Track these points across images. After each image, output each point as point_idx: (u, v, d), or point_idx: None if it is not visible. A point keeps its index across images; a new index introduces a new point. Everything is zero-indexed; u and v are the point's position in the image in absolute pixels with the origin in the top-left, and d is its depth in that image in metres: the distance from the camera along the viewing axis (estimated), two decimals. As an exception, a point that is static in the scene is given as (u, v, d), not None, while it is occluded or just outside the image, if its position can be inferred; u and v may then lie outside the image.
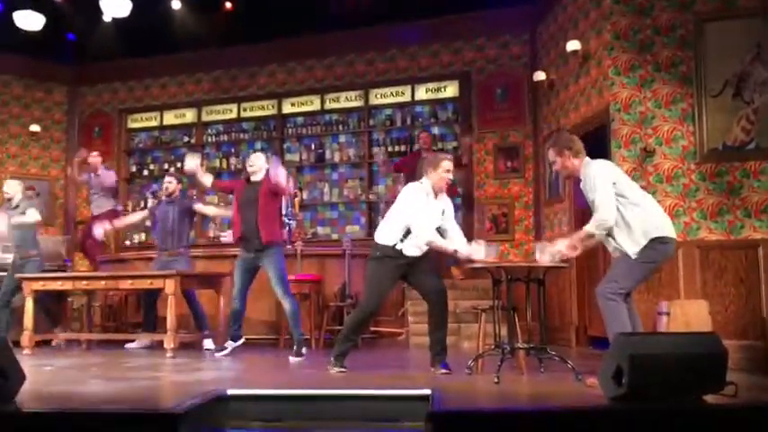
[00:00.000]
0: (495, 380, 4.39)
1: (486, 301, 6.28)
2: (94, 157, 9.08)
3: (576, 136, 7.25)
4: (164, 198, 7.50)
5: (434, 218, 5.07)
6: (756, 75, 5.96)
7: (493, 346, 4.96)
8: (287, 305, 6.21)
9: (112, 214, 8.73)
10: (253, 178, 6.45)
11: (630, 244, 4.29)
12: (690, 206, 6.06)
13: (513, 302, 5.12)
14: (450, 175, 5.11)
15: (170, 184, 7.41)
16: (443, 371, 4.90)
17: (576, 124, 7.34)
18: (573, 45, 7.16)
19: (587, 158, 4.59)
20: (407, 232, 4.99)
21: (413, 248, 5.04)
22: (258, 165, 6.47)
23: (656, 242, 4.27)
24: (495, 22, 9.00)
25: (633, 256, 4.27)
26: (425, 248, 5.05)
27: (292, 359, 5.94)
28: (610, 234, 4.38)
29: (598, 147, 6.64)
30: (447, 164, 5.07)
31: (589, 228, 4.40)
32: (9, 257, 7.53)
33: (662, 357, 3.47)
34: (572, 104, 7.49)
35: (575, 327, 7.27)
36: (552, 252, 4.55)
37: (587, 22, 7.07)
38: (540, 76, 8.17)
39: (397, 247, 5.02)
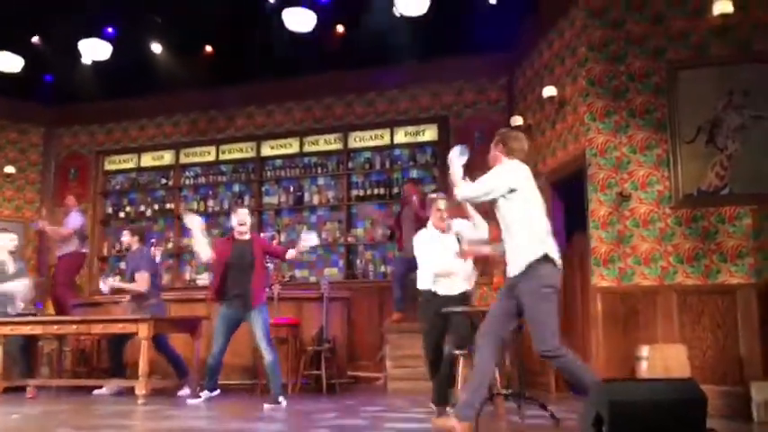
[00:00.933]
0: (474, 426, 4.31)
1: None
2: (70, 200, 9.00)
3: (554, 181, 7.37)
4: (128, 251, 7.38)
5: (450, 249, 5.35)
6: (729, 121, 6.08)
7: (471, 392, 4.88)
8: (268, 357, 6.09)
9: (78, 256, 8.65)
10: (242, 237, 6.33)
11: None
12: (666, 250, 6.10)
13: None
14: (442, 213, 5.38)
15: (125, 237, 7.43)
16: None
17: (554, 169, 7.41)
18: (549, 91, 7.26)
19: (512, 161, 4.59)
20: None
21: (444, 287, 5.29)
22: (248, 222, 6.40)
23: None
24: (472, 68, 9.13)
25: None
26: (461, 288, 5.32)
27: (267, 406, 5.80)
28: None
29: (575, 191, 6.72)
30: (437, 203, 5.43)
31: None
32: None
33: (641, 404, 3.43)
34: (549, 149, 7.57)
35: (554, 371, 7.21)
36: None
37: (563, 68, 7.19)
38: (517, 120, 8.25)
39: (432, 289, 5.29)
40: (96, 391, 7.09)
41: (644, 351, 5.56)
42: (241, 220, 6.33)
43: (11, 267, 7.25)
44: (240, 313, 6.15)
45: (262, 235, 8.75)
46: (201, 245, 6.34)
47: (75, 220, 8.77)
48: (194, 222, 6.47)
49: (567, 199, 7.33)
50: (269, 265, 7.95)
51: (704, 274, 5.99)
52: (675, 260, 6.06)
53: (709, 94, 6.15)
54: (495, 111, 9.04)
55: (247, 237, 6.33)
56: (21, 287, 7.22)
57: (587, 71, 6.56)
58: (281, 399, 5.92)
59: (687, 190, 6.12)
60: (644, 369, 5.45)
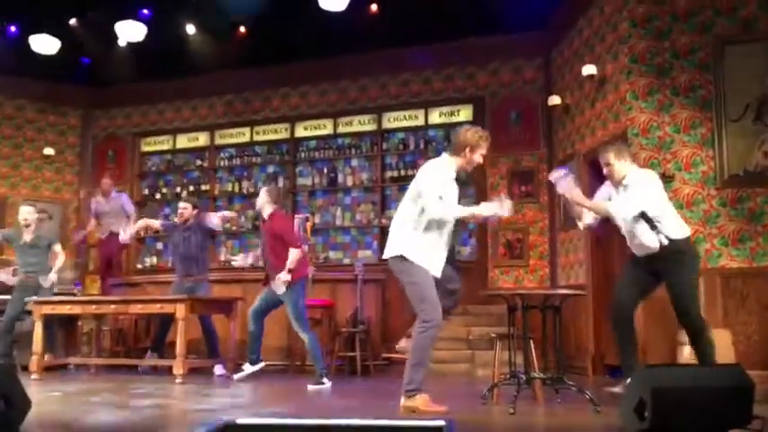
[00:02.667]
0: (511, 410, 4.26)
1: (500, 328, 6.15)
2: (107, 181, 9.07)
3: (593, 160, 7.22)
4: (178, 224, 7.34)
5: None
6: (778, 98, 5.86)
7: (508, 376, 4.82)
8: (305, 339, 6.14)
9: (115, 243, 8.69)
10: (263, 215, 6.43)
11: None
12: (710, 233, 5.93)
13: (528, 330, 4.99)
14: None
15: (185, 210, 7.27)
16: None
17: (593, 149, 7.24)
18: (589, 69, 7.09)
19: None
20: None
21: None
22: (260, 202, 6.42)
23: None
24: (508, 47, 8.96)
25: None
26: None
27: (311, 387, 5.82)
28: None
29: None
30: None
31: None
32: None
33: (686, 390, 3.34)
34: (588, 129, 7.40)
35: (591, 355, 7.10)
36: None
37: (603, 45, 7.00)
38: (555, 100, 8.10)
39: None
40: (140, 368, 7.18)
41: (686, 336, 5.42)
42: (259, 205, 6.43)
43: (27, 237, 7.35)
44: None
45: (296, 217, 8.74)
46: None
47: (129, 202, 8.87)
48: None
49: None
50: (302, 246, 7.99)
51: (750, 256, 5.82)
52: (720, 243, 5.89)
53: (757, 70, 5.94)
54: (531, 91, 8.87)
55: (266, 214, 6.37)
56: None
57: (630, 48, 6.38)
58: (325, 380, 5.94)
59: (733, 170, 5.93)
60: (686, 354, 5.32)
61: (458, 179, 4.58)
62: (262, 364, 6.33)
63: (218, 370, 6.90)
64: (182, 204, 7.40)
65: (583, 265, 7.43)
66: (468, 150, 4.47)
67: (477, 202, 5.06)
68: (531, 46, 8.84)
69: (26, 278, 7.25)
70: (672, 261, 4.54)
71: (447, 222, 4.43)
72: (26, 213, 7.42)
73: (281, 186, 9.39)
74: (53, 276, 7.33)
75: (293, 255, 6.08)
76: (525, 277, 8.59)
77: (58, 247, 7.49)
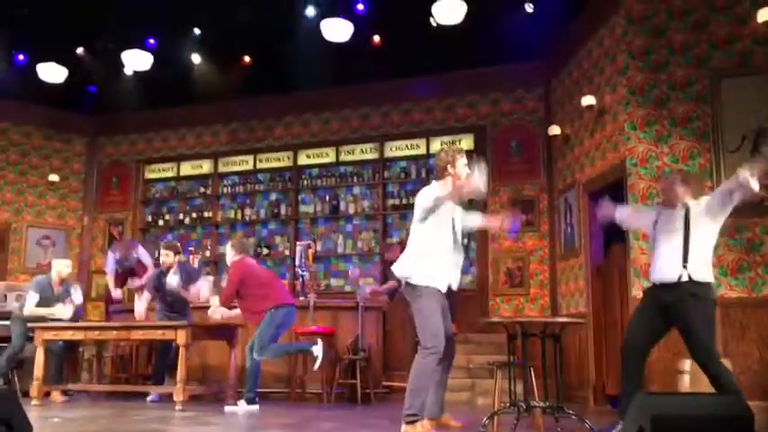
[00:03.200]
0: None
1: (500, 356, 6.16)
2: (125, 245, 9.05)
3: (593, 190, 7.29)
4: (162, 269, 7.42)
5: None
6: (774, 130, 5.94)
7: (508, 404, 4.83)
8: (247, 359, 6.36)
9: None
10: None
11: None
12: (709, 262, 5.95)
13: (528, 359, 5.00)
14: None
15: (167, 257, 7.35)
16: (458, 422, 4.80)
17: (592, 178, 7.32)
18: (588, 100, 7.18)
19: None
20: None
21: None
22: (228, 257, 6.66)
23: None
24: (509, 77, 9.08)
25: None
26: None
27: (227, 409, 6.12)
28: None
29: (614, 201, 6.60)
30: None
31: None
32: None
33: (686, 419, 3.35)
34: (587, 159, 7.48)
35: (592, 385, 7.09)
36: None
37: (602, 77, 7.10)
38: (555, 130, 8.19)
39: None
40: (149, 399, 7.15)
41: (686, 365, 5.43)
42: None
43: (56, 290, 7.43)
44: None
45: (298, 244, 8.79)
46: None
47: (146, 255, 8.89)
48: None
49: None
50: (302, 272, 8.09)
51: (749, 286, 5.84)
52: (719, 272, 5.92)
53: (753, 103, 6.02)
54: (532, 120, 8.98)
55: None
56: (66, 311, 7.39)
57: (628, 79, 6.48)
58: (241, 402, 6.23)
59: (731, 201, 5.98)
60: (686, 383, 5.32)
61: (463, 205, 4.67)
62: (257, 407, 6.31)
63: (152, 396, 7.03)
64: (163, 252, 7.47)
65: (583, 293, 7.45)
66: (449, 168, 4.55)
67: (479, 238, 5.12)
68: (532, 76, 8.96)
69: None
70: (687, 305, 4.37)
71: (447, 237, 4.47)
72: (63, 267, 7.54)
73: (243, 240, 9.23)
74: (69, 310, 7.42)
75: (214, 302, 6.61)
76: (526, 306, 8.61)
77: (77, 293, 7.61)
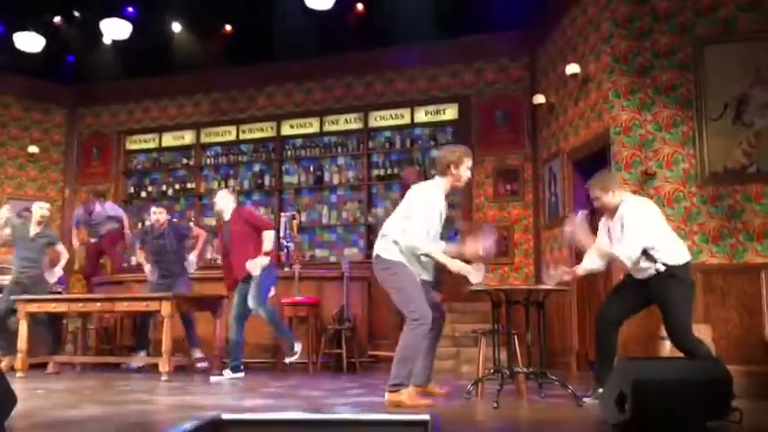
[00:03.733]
0: (495, 404, 4.31)
1: (485, 324, 6.20)
2: (89, 202, 9.08)
3: (577, 159, 7.31)
4: (152, 229, 7.40)
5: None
6: (757, 98, 5.96)
7: (492, 371, 4.88)
8: (262, 313, 6.30)
9: (119, 234, 8.72)
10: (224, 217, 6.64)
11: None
12: (691, 229, 6.02)
13: (512, 326, 5.05)
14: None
15: (161, 215, 7.40)
16: (442, 390, 4.87)
17: (576, 147, 7.33)
18: (572, 68, 7.16)
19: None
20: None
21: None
22: (223, 203, 6.58)
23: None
24: (493, 46, 9.03)
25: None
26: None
27: (287, 359, 6.15)
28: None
29: (598, 170, 6.63)
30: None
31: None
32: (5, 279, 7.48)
33: (666, 383, 3.41)
34: (572, 128, 7.48)
35: (575, 351, 7.19)
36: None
37: (587, 45, 7.08)
38: (539, 99, 8.17)
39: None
40: (124, 365, 7.20)
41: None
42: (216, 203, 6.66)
43: (32, 231, 7.37)
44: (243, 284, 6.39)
45: (282, 215, 8.80)
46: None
47: (116, 209, 8.96)
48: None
49: (590, 178, 7.23)
50: (287, 243, 8.10)
51: (730, 253, 5.91)
52: (701, 239, 5.98)
53: (736, 71, 6.03)
54: (516, 90, 8.95)
55: (227, 217, 6.57)
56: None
57: (612, 48, 6.45)
58: (296, 347, 6.27)
59: (713, 168, 6.02)
60: (667, 349, 5.39)
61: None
62: (242, 375, 6.35)
63: (197, 353, 7.06)
64: (157, 209, 7.48)
65: (567, 262, 7.49)
66: (452, 168, 4.57)
67: (463, 210, 5.14)
68: (516, 45, 8.92)
69: (19, 274, 7.23)
70: (665, 285, 4.52)
71: (432, 231, 4.50)
72: (44, 210, 7.44)
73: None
74: (58, 271, 7.39)
75: (271, 236, 6.37)
76: (510, 275, 8.67)
77: (60, 246, 7.53)
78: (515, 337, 5.09)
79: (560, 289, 5.36)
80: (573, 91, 7.36)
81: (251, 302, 6.26)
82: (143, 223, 10.35)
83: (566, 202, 7.58)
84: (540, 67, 8.57)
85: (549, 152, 8.17)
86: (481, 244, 4.60)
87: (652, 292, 4.61)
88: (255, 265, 6.24)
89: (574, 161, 7.44)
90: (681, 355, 4.58)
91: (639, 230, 4.52)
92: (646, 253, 4.53)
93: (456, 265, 4.48)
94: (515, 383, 4.91)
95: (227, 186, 10.15)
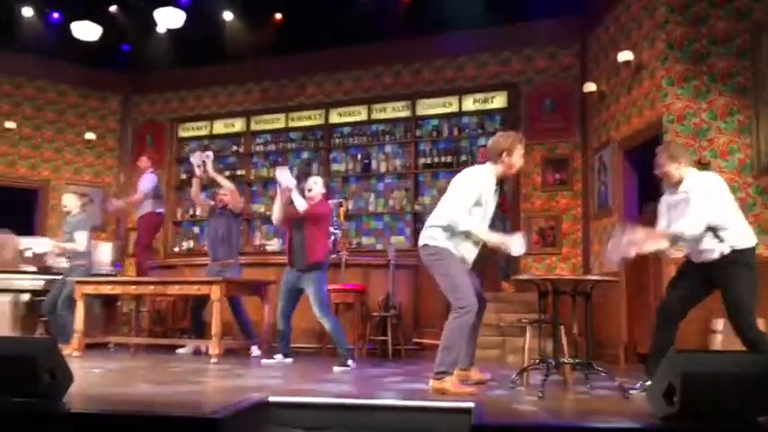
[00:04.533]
0: (540, 394, 4.29)
1: (531, 314, 6.17)
2: (143, 161, 9.21)
3: (628, 148, 7.18)
4: (218, 209, 7.51)
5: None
6: (818, 85, 5.76)
7: (538, 361, 4.86)
8: (326, 324, 6.23)
9: (153, 217, 8.84)
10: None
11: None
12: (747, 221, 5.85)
13: (559, 316, 5.00)
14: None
15: (225, 195, 7.48)
16: (484, 375, 4.85)
17: (628, 136, 7.20)
18: (625, 56, 7.03)
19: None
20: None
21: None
22: (317, 188, 6.52)
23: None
24: (543, 33, 8.90)
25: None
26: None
27: (336, 368, 5.91)
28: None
29: (650, 159, 6.51)
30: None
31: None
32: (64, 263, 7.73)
33: (717, 376, 3.33)
34: (623, 116, 7.34)
35: (624, 343, 7.08)
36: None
37: (640, 32, 6.93)
38: (590, 87, 8.04)
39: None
40: (179, 350, 7.37)
41: (719, 325, 5.39)
42: (308, 186, 6.48)
43: (65, 226, 7.58)
44: (296, 275, 6.32)
45: (329, 202, 8.86)
46: (296, 198, 6.38)
47: (146, 182, 8.92)
48: (285, 177, 6.49)
49: (641, 168, 7.11)
50: (334, 230, 8.14)
51: (786, 246, 5.74)
52: (757, 231, 5.76)
53: (796, 58, 5.83)
54: (566, 77, 8.82)
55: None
56: (81, 241, 7.42)
57: (667, 34, 6.31)
58: (349, 361, 6.01)
59: (770, 158, 5.85)
60: (719, 342, 5.29)
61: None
62: (291, 360, 6.43)
63: (255, 351, 7.05)
64: (221, 191, 7.56)
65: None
66: (504, 155, 4.54)
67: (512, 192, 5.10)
68: (567, 32, 8.78)
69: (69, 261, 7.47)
70: (730, 270, 4.32)
71: (481, 216, 4.49)
72: (64, 200, 7.65)
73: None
74: (49, 244, 7.60)
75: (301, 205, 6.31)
76: (558, 265, 8.58)
77: (77, 235, 7.48)
78: (562, 327, 5.05)
79: (608, 279, 5.31)
80: (625, 79, 7.22)
81: (316, 312, 6.23)
82: (194, 210, 10.56)
83: (615, 191, 7.46)
84: (591, 55, 8.43)
85: (599, 141, 8.04)
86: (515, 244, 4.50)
87: (715, 278, 4.39)
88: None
89: (625, 150, 7.31)
90: (733, 348, 4.48)
91: (706, 205, 4.28)
92: (713, 231, 4.30)
93: (496, 238, 4.49)
94: (561, 374, 4.88)
95: (275, 175, 10.26)
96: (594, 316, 5.32)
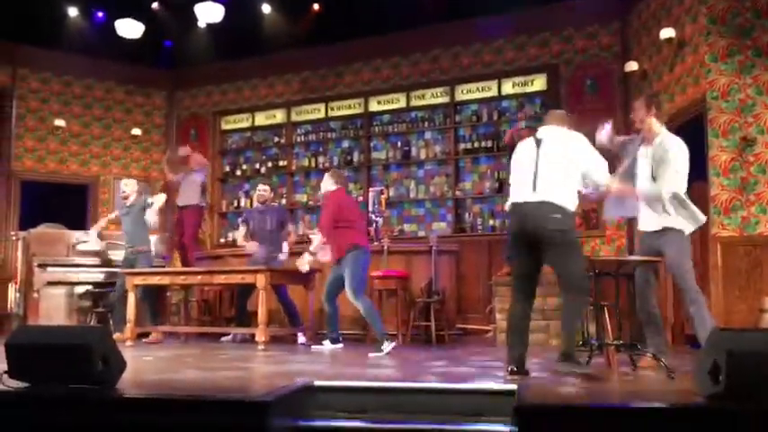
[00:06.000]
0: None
1: (575, 297, 6.12)
2: (191, 153, 9.33)
3: (672, 127, 7.04)
4: (257, 205, 7.65)
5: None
6: None
7: (581, 343, 4.83)
8: (359, 305, 6.30)
9: (200, 209, 9.01)
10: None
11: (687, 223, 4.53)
12: (794, 198, 5.72)
13: (603, 298, 4.97)
14: None
15: (264, 192, 7.63)
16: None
17: (672, 114, 7.06)
18: (667, 32, 6.90)
19: (665, 129, 4.74)
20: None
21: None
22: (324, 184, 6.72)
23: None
24: (582, 12, 8.78)
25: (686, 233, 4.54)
26: None
27: (372, 354, 5.96)
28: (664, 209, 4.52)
29: (694, 137, 6.39)
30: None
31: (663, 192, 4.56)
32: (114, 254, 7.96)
33: (762, 354, 3.29)
34: (666, 94, 7.21)
35: (670, 324, 6.98)
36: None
37: (682, 7, 6.78)
38: (632, 66, 7.91)
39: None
40: (223, 338, 7.55)
41: (768, 303, 5.29)
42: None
43: (123, 210, 7.77)
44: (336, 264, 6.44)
45: (371, 190, 8.93)
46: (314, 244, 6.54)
47: (200, 174, 9.14)
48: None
49: (686, 145, 6.97)
50: (375, 218, 8.20)
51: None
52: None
53: None
54: (607, 57, 8.68)
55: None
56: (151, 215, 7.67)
57: (709, 8, 6.17)
58: (383, 346, 6.04)
59: (820, 133, 5.69)
60: (767, 322, 5.19)
61: None
62: (341, 345, 6.51)
63: (301, 338, 7.17)
64: (262, 187, 7.72)
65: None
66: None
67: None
68: (606, 10, 8.64)
69: (126, 251, 7.67)
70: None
71: None
72: (124, 185, 7.86)
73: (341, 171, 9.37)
74: (155, 204, 7.67)
75: (315, 239, 6.43)
76: (602, 248, 8.49)
77: (153, 199, 7.69)
78: (605, 309, 5.01)
79: (652, 260, 5.23)
80: (667, 56, 7.09)
81: (348, 294, 6.29)
82: (238, 201, 10.77)
83: (660, 171, 7.33)
84: (631, 33, 8.28)
85: (642, 121, 7.90)
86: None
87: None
88: (301, 262, 6.48)
89: (668, 129, 7.15)
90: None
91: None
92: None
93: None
94: (605, 356, 4.85)
95: (317, 165, 10.39)
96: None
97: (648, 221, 4.69)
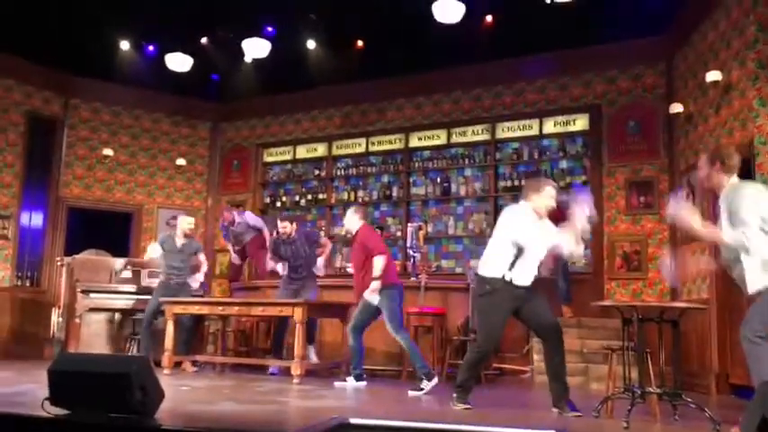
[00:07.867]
0: (625, 425, 4.18)
1: (615, 341, 6.01)
2: (228, 211, 9.67)
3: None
4: (282, 239, 7.73)
5: (548, 236, 4.92)
6: None
7: (623, 390, 4.72)
8: (400, 340, 6.27)
9: (262, 240, 9.31)
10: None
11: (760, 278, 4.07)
12: None
13: (645, 344, 4.86)
14: (554, 202, 4.96)
15: (284, 228, 7.71)
16: (573, 413, 4.72)
17: (717, 158, 6.95)
18: (713, 75, 6.83)
19: (736, 180, 4.31)
20: (515, 258, 4.83)
21: (523, 277, 4.88)
22: (348, 221, 6.81)
23: None
24: (627, 54, 8.74)
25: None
26: (534, 276, 4.95)
27: (411, 393, 5.90)
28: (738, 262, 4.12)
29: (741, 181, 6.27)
30: (551, 190, 4.96)
31: (722, 236, 4.16)
32: (155, 282, 8.09)
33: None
34: (712, 137, 7.11)
35: (715, 373, 6.79)
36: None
37: (729, 51, 6.72)
38: (677, 107, 7.83)
39: (507, 277, 4.86)
40: (269, 371, 7.51)
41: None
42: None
43: (179, 243, 7.93)
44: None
45: (409, 225, 8.94)
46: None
47: (251, 216, 9.66)
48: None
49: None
50: (413, 253, 8.20)
51: None
52: None
53: None
54: (651, 98, 8.62)
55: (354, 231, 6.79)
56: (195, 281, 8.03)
57: (757, 53, 6.10)
58: (424, 384, 5.97)
59: None
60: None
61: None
62: (364, 383, 6.44)
63: (273, 368, 7.35)
64: (281, 223, 7.80)
65: (706, 278, 7.12)
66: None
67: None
68: (652, 52, 8.59)
69: (167, 279, 7.79)
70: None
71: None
72: (189, 224, 8.10)
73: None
74: (200, 277, 8.04)
75: (380, 262, 6.29)
76: (644, 291, 8.33)
77: (203, 256, 8.16)
78: (648, 355, 4.90)
79: (698, 307, 5.13)
80: (714, 99, 7.01)
81: (389, 328, 6.27)
82: (277, 232, 10.85)
83: (705, 215, 7.19)
84: (677, 75, 8.21)
85: (686, 163, 7.80)
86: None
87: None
88: (370, 294, 6.30)
89: (714, 172, 7.05)
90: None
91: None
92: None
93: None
94: (647, 404, 4.73)
95: (356, 198, 10.45)
96: (683, 344, 5.13)
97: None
